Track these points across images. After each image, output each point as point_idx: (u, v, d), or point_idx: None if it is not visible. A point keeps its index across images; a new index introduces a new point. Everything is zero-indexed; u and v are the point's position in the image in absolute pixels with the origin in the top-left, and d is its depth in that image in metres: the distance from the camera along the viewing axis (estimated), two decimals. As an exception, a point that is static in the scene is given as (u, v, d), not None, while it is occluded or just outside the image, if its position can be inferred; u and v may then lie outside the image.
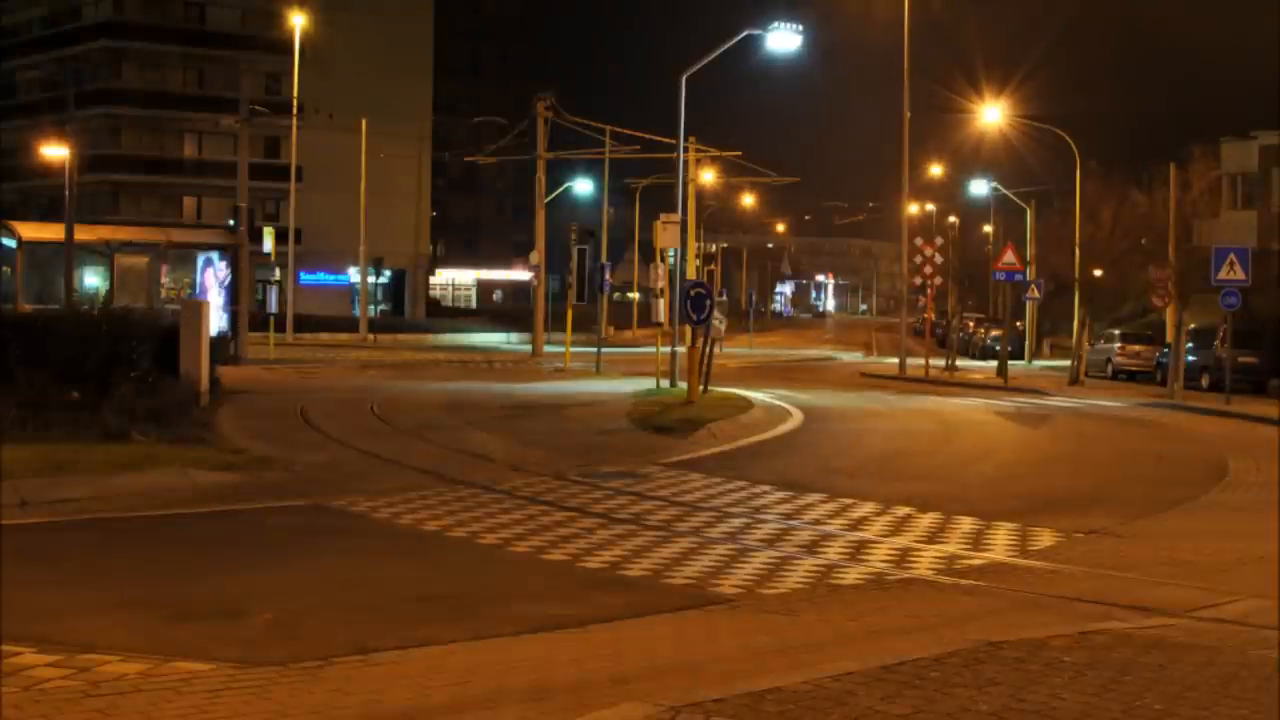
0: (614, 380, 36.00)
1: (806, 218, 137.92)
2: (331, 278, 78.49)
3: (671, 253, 33.37)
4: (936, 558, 12.02)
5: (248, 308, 41.01)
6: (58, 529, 12.35)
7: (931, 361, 46.19)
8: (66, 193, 35.48)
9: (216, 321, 34.53)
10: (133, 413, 18.37)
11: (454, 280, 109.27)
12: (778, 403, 29.19)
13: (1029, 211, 55.60)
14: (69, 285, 34.18)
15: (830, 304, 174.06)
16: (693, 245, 52.29)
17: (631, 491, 15.44)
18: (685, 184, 36.69)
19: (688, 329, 28.05)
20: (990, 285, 56.65)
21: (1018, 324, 56.13)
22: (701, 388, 27.84)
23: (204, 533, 12.67)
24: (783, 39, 30.53)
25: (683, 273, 32.71)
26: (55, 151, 47.39)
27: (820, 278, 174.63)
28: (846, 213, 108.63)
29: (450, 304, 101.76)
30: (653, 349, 37.83)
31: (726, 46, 30.96)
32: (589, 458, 18.75)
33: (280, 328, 51.92)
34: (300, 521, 13.25)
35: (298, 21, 59.45)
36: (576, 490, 15.51)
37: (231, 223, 39.89)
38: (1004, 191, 56.15)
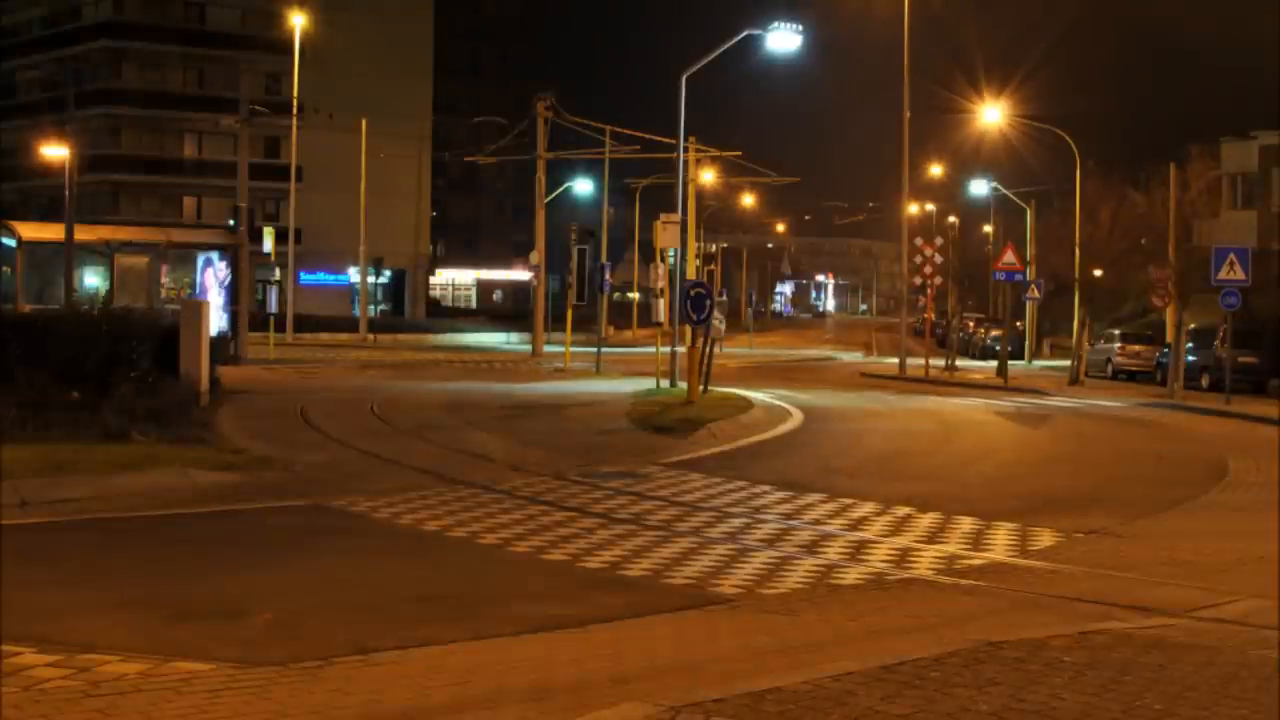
0: (614, 380, 36.00)
1: (806, 218, 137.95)
2: (331, 278, 78.50)
3: (671, 253, 33.37)
4: (936, 558, 12.02)
5: (248, 308, 41.01)
6: (58, 529, 12.35)
7: (931, 361, 46.18)
8: (66, 193, 35.48)
9: (216, 321, 34.53)
10: (133, 413, 18.37)
11: (454, 280, 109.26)
12: (778, 403, 29.19)
13: (1029, 211, 55.61)
14: (69, 285, 34.18)
15: (830, 304, 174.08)
16: (693, 245, 52.28)
17: (631, 491, 15.44)
18: (685, 184, 36.69)
19: (688, 329, 28.06)
20: (990, 285, 56.66)
21: (1018, 324, 56.13)
22: (701, 388, 27.85)
23: (204, 533, 12.67)
24: (783, 39, 30.54)
25: (683, 273, 32.71)
26: (55, 151, 47.38)
27: (820, 278, 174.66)
28: (846, 213, 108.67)
29: (450, 304, 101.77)
30: (653, 349, 37.84)
31: (727, 46, 30.97)
32: (589, 458, 18.75)
33: (280, 328, 51.92)
34: (300, 521, 13.25)
35: (298, 21, 59.44)
36: (576, 490, 15.51)
37: (231, 223, 39.89)
38: (1004, 191, 56.15)
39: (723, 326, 31.00)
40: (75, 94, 51.95)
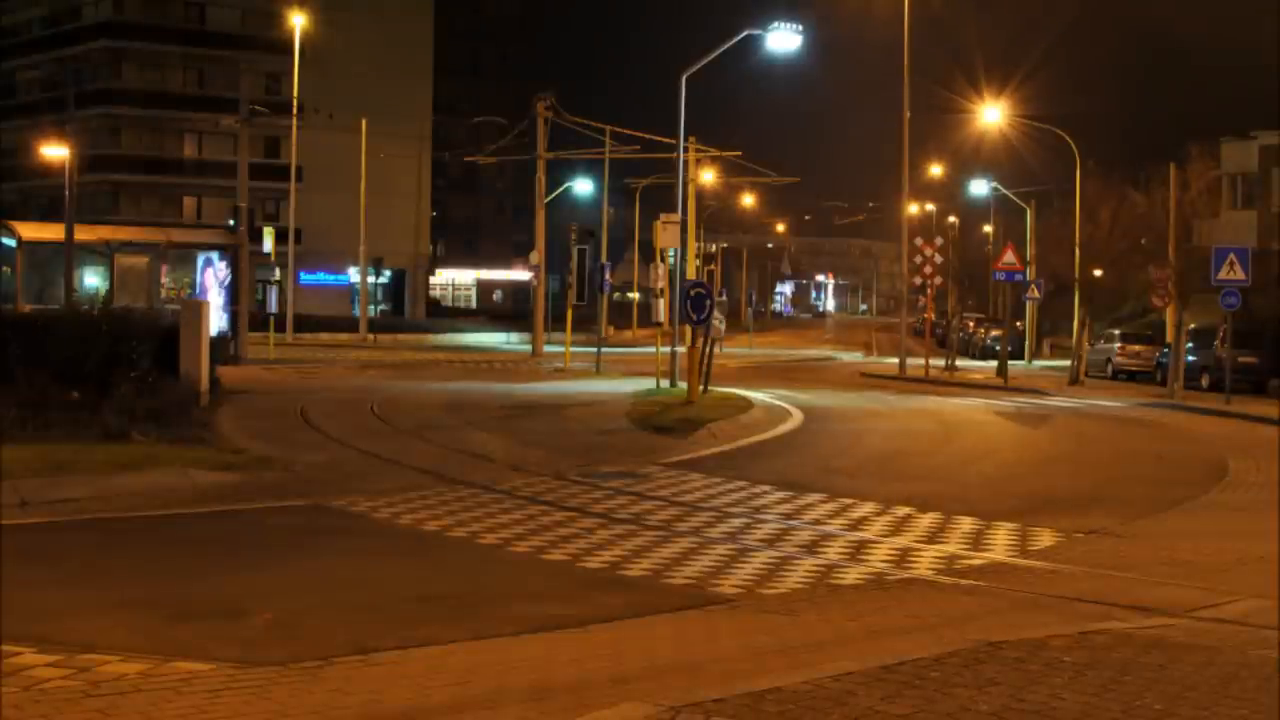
0: (614, 380, 36.00)
1: (806, 218, 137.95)
2: (331, 278, 78.50)
3: (671, 253, 33.37)
4: (936, 558, 12.02)
5: (248, 308, 41.00)
6: (58, 529, 12.35)
7: (931, 362, 46.18)
8: (66, 193, 35.48)
9: (216, 321, 34.53)
10: (133, 413, 18.37)
11: (454, 280, 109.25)
12: (778, 403, 29.19)
13: (1029, 211, 55.61)
14: (69, 285, 34.19)
15: (830, 304, 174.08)
16: (693, 245, 52.29)
17: (631, 491, 15.44)
18: (685, 184, 36.69)
19: (687, 329, 28.06)
20: (990, 285, 56.65)
21: (1018, 324, 56.13)
22: (701, 388, 27.85)
23: (204, 533, 12.67)
24: (783, 39, 30.54)
25: (683, 273, 32.71)
26: (55, 151, 47.38)
27: (820, 278, 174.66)
28: (846, 213, 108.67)
29: (450, 304, 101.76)
30: (653, 349, 37.84)
31: (727, 46, 30.97)
32: (589, 458, 18.75)
33: (280, 328, 51.92)
34: (300, 521, 13.25)
35: (298, 21, 59.44)
36: (576, 490, 15.52)
37: (231, 223, 39.88)
38: (1004, 191, 56.15)
39: (723, 326, 31.01)
40: (75, 94, 51.96)
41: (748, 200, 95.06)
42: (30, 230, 39.97)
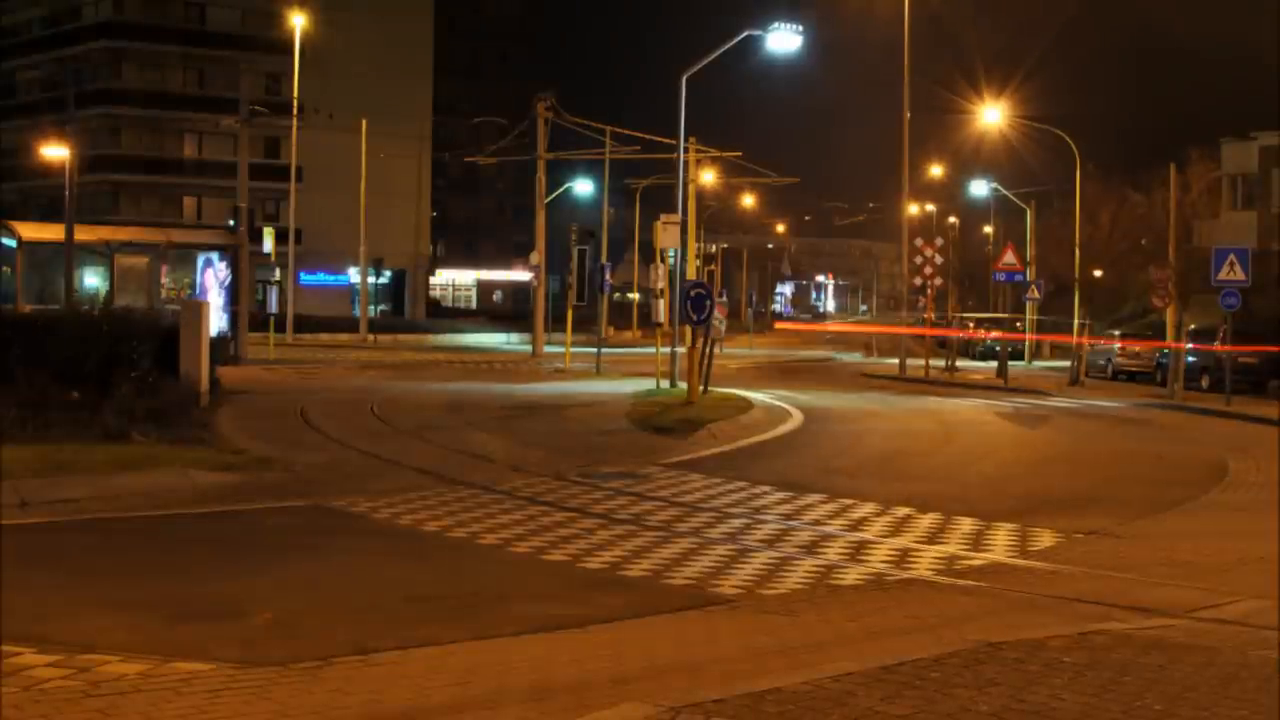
0: (614, 381, 36.00)
1: (806, 218, 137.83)
2: (331, 278, 78.48)
3: (671, 253, 33.36)
4: (936, 558, 12.02)
5: (248, 308, 40.99)
6: (58, 529, 12.35)
7: (931, 362, 46.18)
8: (66, 193, 35.49)
9: (216, 322, 34.53)
10: (133, 413, 18.38)
11: (454, 281, 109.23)
12: (778, 403, 29.19)
13: (1029, 212, 55.62)
14: (69, 285, 34.20)
15: (830, 305, 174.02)
16: (693, 246, 52.25)
17: (631, 492, 15.44)
18: (685, 184, 36.69)
19: (687, 329, 28.06)
20: (990, 285, 56.65)
21: (1017, 324, 56.14)
22: (701, 388, 27.85)
23: (204, 533, 12.67)
24: (783, 39, 30.54)
25: (683, 273, 32.70)
26: (55, 151, 47.38)
27: (820, 278, 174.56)
28: (847, 213, 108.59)
29: (450, 304, 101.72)
30: (653, 349, 37.85)
31: (727, 47, 30.96)
32: (589, 458, 18.75)
33: (280, 328, 51.91)
34: (300, 522, 13.25)
35: (298, 21, 59.45)
36: (576, 491, 15.52)
37: (231, 223, 39.88)
38: (1004, 192, 56.15)
39: (723, 326, 31.01)
40: (75, 94, 51.93)
41: (748, 201, 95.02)
42: (30, 230, 39.98)
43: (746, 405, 26.92)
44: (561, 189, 60.09)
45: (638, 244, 77.85)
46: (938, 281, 46.67)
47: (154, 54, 74.40)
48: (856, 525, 13.72)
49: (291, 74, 60.87)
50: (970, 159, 64.83)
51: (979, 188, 62.06)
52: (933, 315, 52.58)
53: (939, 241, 47.02)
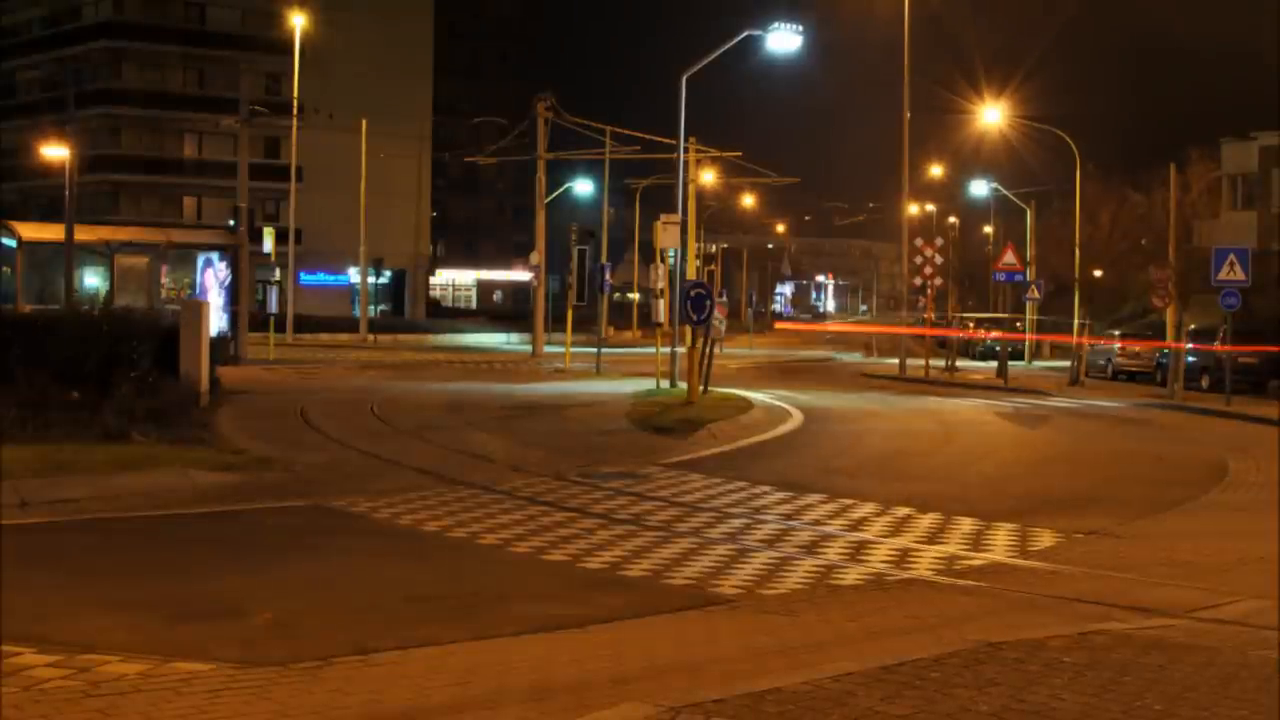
0: (614, 381, 36.00)
1: (807, 218, 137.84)
2: (331, 278, 78.48)
3: (671, 253, 33.37)
4: (936, 558, 12.02)
5: (248, 308, 41.00)
6: (58, 529, 12.35)
7: (931, 362, 46.17)
8: (66, 193, 35.49)
9: (216, 322, 34.53)
10: (133, 413, 18.38)
11: (454, 281, 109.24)
12: (778, 403, 29.19)
13: (1029, 212, 55.62)
14: (69, 285, 34.20)
15: (830, 305, 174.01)
16: (693, 246, 52.25)
17: (631, 492, 15.44)
18: (685, 184, 36.69)
19: (687, 329, 28.06)
20: (990, 285, 56.65)
21: (1017, 324, 56.14)
22: (701, 388, 27.85)
23: (204, 533, 12.67)
24: (783, 39, 30.54)
25: (683, 273, 32.71)
26: (55, 151, 47.38)
27: (820, 278, 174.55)
28: (847, 213, 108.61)
29: (450, 304, 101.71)
30: (652, 349, 37.86)
31: (727, 47, 30.96)
32: (589, 458, 18.75)
33: (280, 328, 51.89)
34: (300, 522, 13.25)
35: (298, 21, 59.44)
36: (576, 491, 15.52)
37: (231, 223, 39.88)
38: (1004, 192, 56.15)
39: (723, 326, 31.02)
40: (75, 94, 51.93)
41: (748, 201, 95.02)
42: (30, 230, 39.97)
43: (746, 405, 26.92)
44: (561, 189, 60.09)
45: (638, 244, 77.84)
46: (938, 281, 46.68)
47: (154, 54, 74.40)
48: (856, 525, 13.72)
49: (291, 74, 60.86)
50: (970, 159, 64.88)
51: (979, 188, 62.06)
52: (933, 315, 52.59)
53: (939, 241, 47.03)
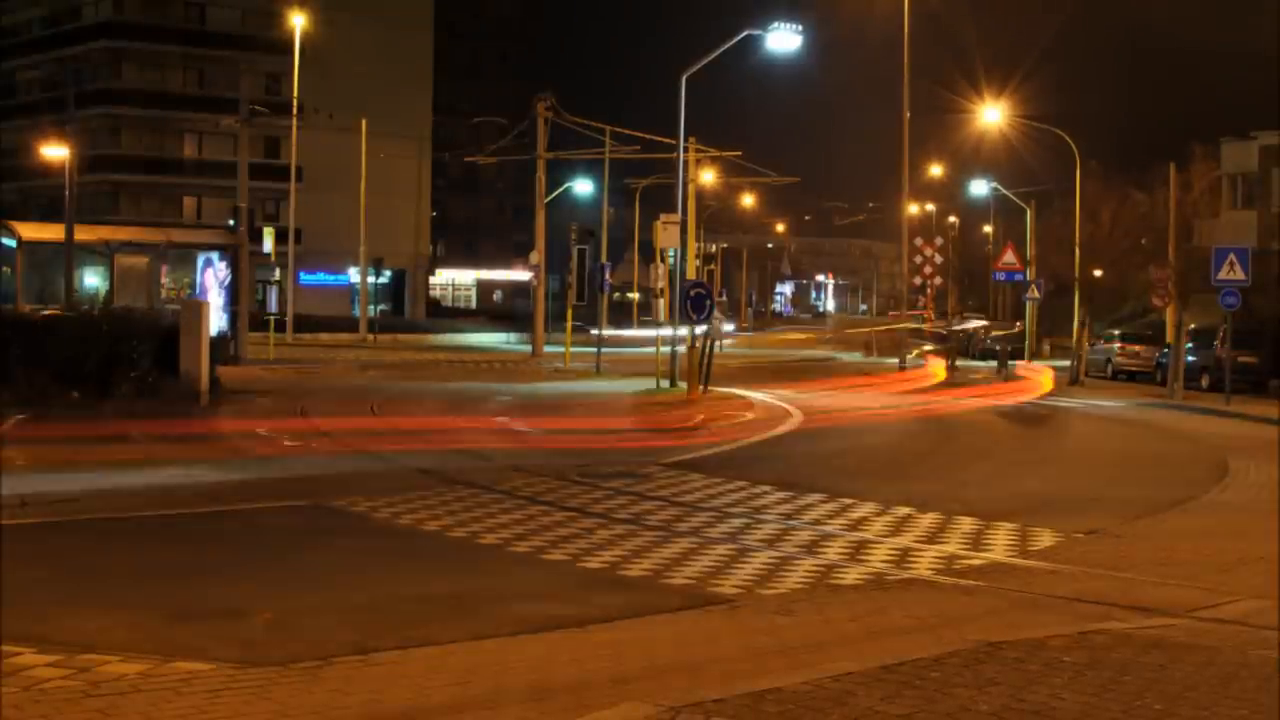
0: (614, 380, 35.99)
1: (806, 218, 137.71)
2: (331, 278, 78.45)
3: (671, 253, 33.38)
4: (936, 558, 12.02)
5: (248, 308, 40.98)
6: (58, 529, 12.35)
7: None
8: (66, 193, 35.48)
9: (216, 322, 34.52)
10: (133, 413, 18.39)
11: (454, 280, 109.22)
12: (778, 403, 29.18)
13: (1029, 211, 55.60)
14: (69, 285, 34.19)
15: (830, 304, 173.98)
16: (693, 245, 52.25)
17: (631, 492, 15.44)
18: (685, 184, 36.70)
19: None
20: (990, 285, 56.68)
21: (1017, 324, 56.14)
22: (702, 387, 27.85)
23: (204, 533, 12.67)
24: (783, 39, 30.56)
25: (683, 273, 32.73)
26: (55, 151, 47.37)
27: (820, 278, 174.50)
28: (847, 213, 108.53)
29: (450, 304, 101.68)
30: (652, 349, 37.85)
31: (727, 46, 30.97)
32: (589, 458, 18.74)
33: (280, 328, 51.88)
34: (300, 521, 13.25)
35: (298, 21, 59.43)
36: (576, 490, 15.52)
37: (231, 223, 39.86)
38: (1004, 191, 56.11)
39: (722, 326, 31.05)
40: (75, 94, 51.87)
41: (748, 200, 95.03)
42: (30, 230, 39.94)
43: (747, 404, 26.92)
44: (561, 189, 60.05)
45: (638, 244, 77.84)
46: (937, 281, 46.71)
47: (154, 54, 74.37)
48: (856, 525, 13.72)
49: (291, 74, 60.83)
50: (970, 159, 64.79)
51: (979, 187, 62.02)
52: (932, 314, 52.62)
53: (939, 241, 47.09)
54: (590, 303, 46.39)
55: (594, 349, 44.40)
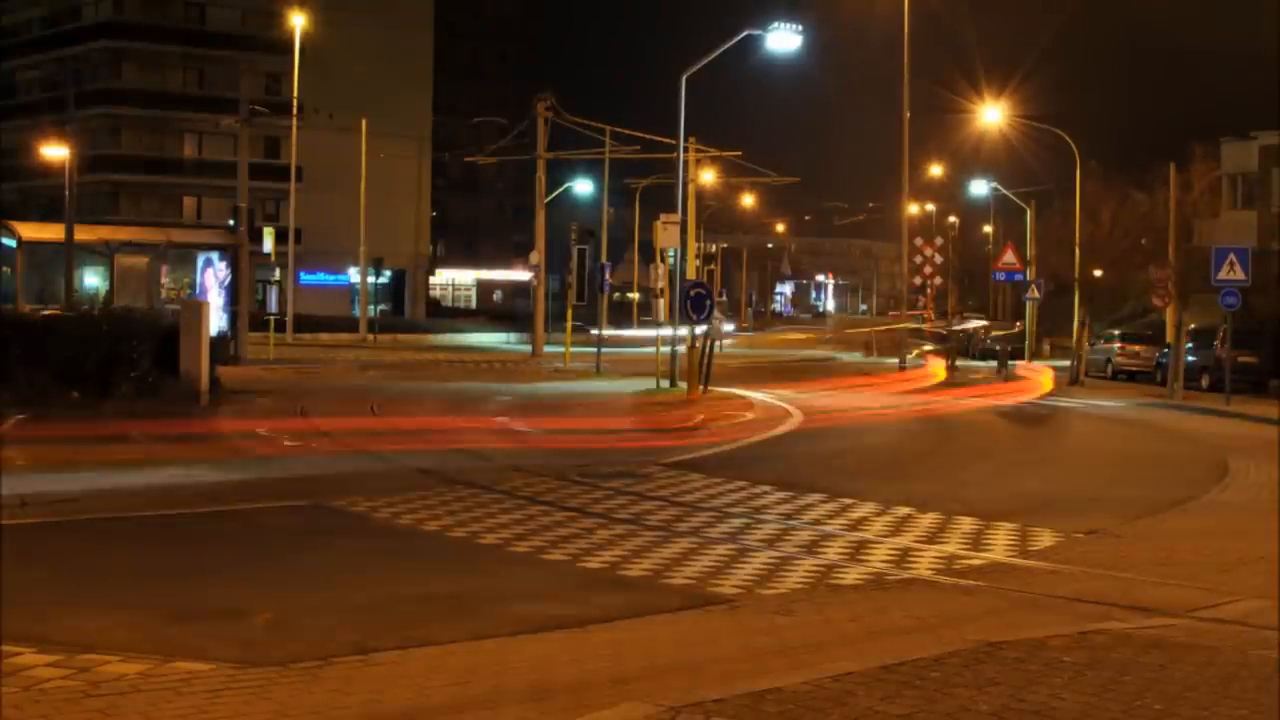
0: (614, 380, 35.99)
1: (806, 218, 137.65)
2: (331, 278, 78.45)
3: (671, 253, 33.37)
4: (936, 558, 12.02)
5: (248, 308, 40.97)
6: (58, 529, 12.35)
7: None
8: (66, 193, 35.49)
9: (216, 322, 34.51)
10: (133, 413, 18.39)
11: (454, 280, 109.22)
12: (778, 403, 29.18)
13: (1029, 211, 55.59)
14: (69, 285, 34.20)
15: (830, 304, 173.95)
16: (693, 245, 52.25)
17: (631, 492, 15.44)
18: (685, 184, 36.69)
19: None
20: (990, 285, 56.67)
21: (1017, 324, 56.14)
22: (702, 387, 27.85)
23: (204, 533, 12.67)
24: (783, 39, 30.56)
25: (683, 273, 32.74)
26: (55, 151, 47.37)
27: (820, 278, 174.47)
28: (847, 213, 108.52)
29: (450, 304, 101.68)
30: (652, 349, 37.85)
31: (727, 46, 30.97)
32: (589, 457, 18.74)
33: (280, 328, 51.88)
34: (300, 521, 13.25)
35: (298, 21, 59.43)
36: (576, 490, 15.52)
37: (231, 223, 39.86)
38: (1004, 191, 56.11)
39: (722, 326, 31.06)
40: (75, 94, 51.85)
41: (748, 200, 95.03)
42: (30, 230, 39.94)
43: (747, 404, 26.92)
44: (561, 189, 60.04)
45: (638, 244, 77.83)
46: (937, 281, 46.72)
47: (154, 54, 74.37)
48: (856, 525, 13.72)
49: (291, 74, 60.83)
50: (970, 159, 64.80)
51: (979, 187, 62.02)
52: (932, 314, 52.63)
53: (939, 241, 47.08)
54: (590, 303, 46.39)
55: (594, 349, 44.40)
